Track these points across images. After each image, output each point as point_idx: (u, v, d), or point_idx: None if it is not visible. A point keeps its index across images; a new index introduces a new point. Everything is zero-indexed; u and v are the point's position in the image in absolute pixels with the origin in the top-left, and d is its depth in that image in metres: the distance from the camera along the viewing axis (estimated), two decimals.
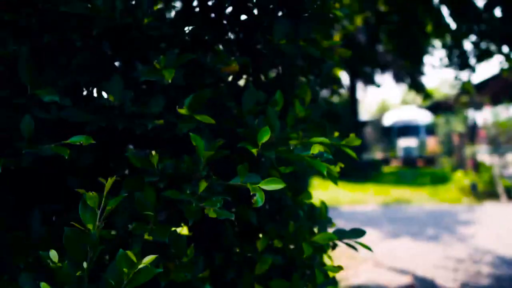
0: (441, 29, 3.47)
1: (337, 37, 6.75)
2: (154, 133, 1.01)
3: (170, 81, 0.92)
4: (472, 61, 5.68)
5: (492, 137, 10.26)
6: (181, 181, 0.95)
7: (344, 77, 18.12)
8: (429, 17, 4.13)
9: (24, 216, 0.98)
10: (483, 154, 10.95)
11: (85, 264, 0.80)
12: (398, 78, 16.04)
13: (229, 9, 1.14)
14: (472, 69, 6.04)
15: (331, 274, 1.06)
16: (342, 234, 1.22)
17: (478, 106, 10.19)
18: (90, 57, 0.98)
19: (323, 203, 1.33)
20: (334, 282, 1.14)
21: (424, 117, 19.84)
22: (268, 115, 1.00)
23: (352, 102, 16.23)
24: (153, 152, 0.95)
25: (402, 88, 27.85)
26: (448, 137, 12.96)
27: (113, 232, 0.87)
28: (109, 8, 0.93)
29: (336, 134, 1.13)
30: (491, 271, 5.43)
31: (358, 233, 1.21)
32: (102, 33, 0.95)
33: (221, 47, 1.13)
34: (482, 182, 10.26)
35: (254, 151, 0.91)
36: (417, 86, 5.12)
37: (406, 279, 5.23)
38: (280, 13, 1.13)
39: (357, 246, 1.45)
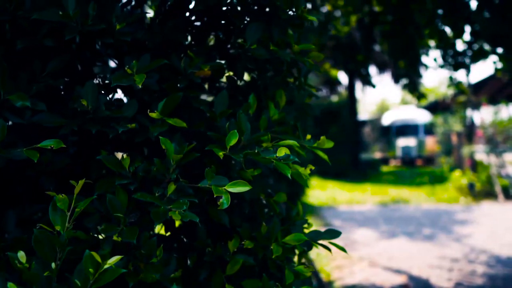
0: (432, 28, 3.47)
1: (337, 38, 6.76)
2: (127, 136, 1.03)
3: (140, 86, 0.95)
4: (467, 61, 5.70)
5: (490, 137, 10.27)
6: (152, 183, 0.97)
7: (343, 77, 18.14)
8: (422, 17, 4.15)
9: None
10: (481, 154, 10.96)
11: (53, 265, 0.82)
12: (396, 78, 16.07)
13: (204, 14, 1.16)
14: (467, 69, 6.05)
15: (307, 274, 1.08)
16: (317, 235, 1.24)
17: (475, 106, 10.20)
18: (65, 62, 1.01)
19: (300, 204, 1.35)
20: (308, 282, 1.16)
21: (423, 116, 19.85)
22: (238, 118, 1.02)
23: (351, 101, 16.25)
24: (125, 155, 0.98)
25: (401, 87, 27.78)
26: (446, 137, 12.98)
27: (82, 233, 0.89)
28: (81, 15, 0.96)
29: (308, 136, 1.15)
30: (485, 270, 5.44)
31: (333, 234, 1.23)
32: (75, 38, 0.97)
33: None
34: (479, 181, 10.26)
35: (221, 154, 0.93)
36: (411, 86, 5.14)
37: (401, 279, 5.25)
38: (253, 18, 1.16)
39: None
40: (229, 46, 1.21)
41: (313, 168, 1.07)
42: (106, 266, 0.79)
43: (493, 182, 10.10)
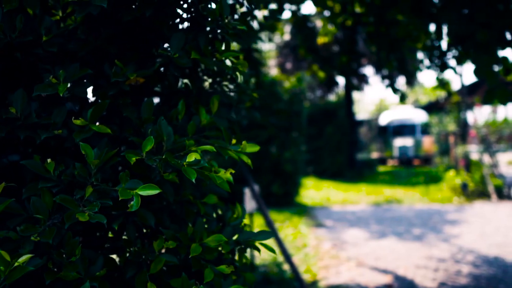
0: (404, 29, 3.49)
1: (327, 38, 6.78)
2: (56, 142, 1.09)
3: (62, 94, 1.00)
4: (452, 62, 5.73)
5: (483, 137, 10.28)
6: (74, 187, 1.03)
7: (340, 78, 18.16)
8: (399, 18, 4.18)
9: None
10: (474, 154, 10.97)
11: None
12: (391, 78, 16.07)
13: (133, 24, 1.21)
14: (454, 70, 6.08)
15: (227, 272, 1.12)
16: (250, 236, 1.28)
17: (469, 106, 10.22)
18: None
19: (239, 206, 1.39)
20: (231, 281, 1.21)
21: (420, 116, 19.85)
22: (158, 124, 1.08)
23: (347, 101, 16.26)
24: (49, 160, 1.03)
25: (400, 87, 27.80)
26: (441, 137, 13.00)
27: (2, 232, 0.95)
28: (7, 27, 1.01)
29: (234, 141, 1.20)
30: (471, 270, 5.47)
31: (265, 235, 1.27)
32: (3, 48, 1.03)
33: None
34: (473, 181, 10.28)
35: (133, 159, 0.98)
36: (393, 86, 5.17)
37: (386, 279, 5.28)
38: (181, 27, 1.21)
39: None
40: (157, 54, 1.26)
41: (233, 171, 1.12)
42: (16, 264, 0.85)
43: (486, 182, 10.12)
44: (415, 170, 17.51)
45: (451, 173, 10.94)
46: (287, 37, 14.11)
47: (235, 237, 1.27)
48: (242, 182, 10.74)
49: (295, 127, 10.17)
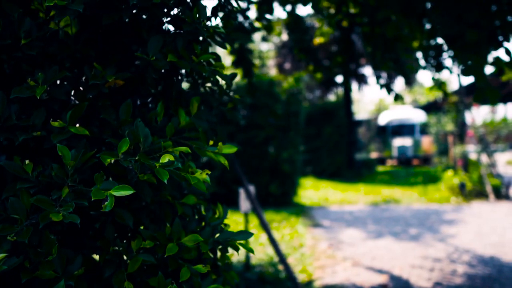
0: (394, 28, 3.49)
1: (323, 39, 6.80)
2: (36, 143, 1.11)
3: (39, 97, 1.02)
4: (448, 62, 5.74)
5: (481, 137, 10.29)
6: (52, 187, 1.05)
7: (338, 77, 18.18)
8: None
9: None
10: (472, 153, 10.98)
11: None
12: (390, 78, 16.10)
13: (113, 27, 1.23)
14: (449, 71, 6.09)
15: (204, 271, 1.14)
16: (230, 236, 1.30)
17: (467, 106, 10.24)
18: None
19: (220, 206, 1.41)
20: (210, 281, 1.23)
21: (418, 116, 19.85)
22: (135, 126, 1.10)
23: (346, 101, 16.28)
24: (27, 161, 1.05)
25: (401, 87, 27.88)
26: (440, 137, 13.01)
27: None
28: None
29: (211, 142, 1.21)
30: (466, 270, 5.48)
31: (245, 235, 1.29)
32: None
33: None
34: (471, 181, 10.29)
35: (108, 160, 1.01)
36: (387, 87, 5.19)
37: (381, 279, 5.29)
38: (159, 30, 1.23)
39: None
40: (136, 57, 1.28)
41: (209, 172, 1.14)
42: None
43: (484, 182, 10.13)
44: (414, 170, 17.52)
45: (449, 173, 10.94)
46: (285, 37, 14.12)
47: (216, 237, 1.29)
48: (240, 183, 10.74)
49: (293, 127, 10.19)
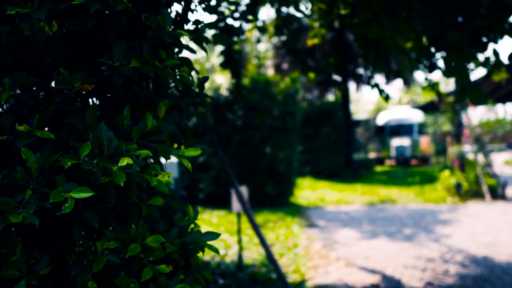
0: (375, 31, 3.49)
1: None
2: (5, 146, 1.14)
3: (3, 102, 1.05)
4: (441, 62, 5.76)
5: (477, 137, 10.30)
6: (17, 190, 1.08)
7: (336, 77, 18.17)
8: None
9: None
10: (470, 154, 10.99)
11: None
12: (388, 79, 16.13)
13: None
14: (442, 71, 6.10)
15: (166, 271, 1.16)
16: (197, 237, 1.33)
17: (463, 107, 10.26)
18: None
19: (191, 208, 1.44)
20: (178, 281, 1.26)
21: (417, 116, 19.87)
22: (99, 130, 1.12)
23: (344, 101, 16.30)
24: None
25: (399, 87, 27.87)
26: (437, 137, 13.03)
27: None
28: None
29: (176, 145, 1.24)
30: (458, 270, 5.50)
31: (212, 236, 1.32)
32: None
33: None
34: (467, 181, 10.30)
35: (69, 163, 1.03)
36: (378, 87, 5.20)
37: (374, 279, 5.31)
38: (125, 36, 1.26)
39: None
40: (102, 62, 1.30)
41: (171, 174, 1.16)
42: None
43: (480, 182, 10.14)
44: (412, 170, 17.53)
45: (446, 173, 10.96)
46: (283, 37, 14.13)
47: (184, 238, 1.32)
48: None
49: (289, 127, 10.21)
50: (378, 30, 3.15)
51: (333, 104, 15.34)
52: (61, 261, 1.21)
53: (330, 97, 21.42)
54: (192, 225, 1.40)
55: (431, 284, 5.04)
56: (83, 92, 1.25)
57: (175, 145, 1.22)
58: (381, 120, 21.21)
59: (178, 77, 1.30)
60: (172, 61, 1.24)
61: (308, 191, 12.62)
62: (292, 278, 5.40)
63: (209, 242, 1.38)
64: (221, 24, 3.16)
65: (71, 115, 1.20)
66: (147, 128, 1.26)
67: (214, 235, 1.32)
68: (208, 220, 8.96)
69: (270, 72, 17.08)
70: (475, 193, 10.28)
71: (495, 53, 4.04)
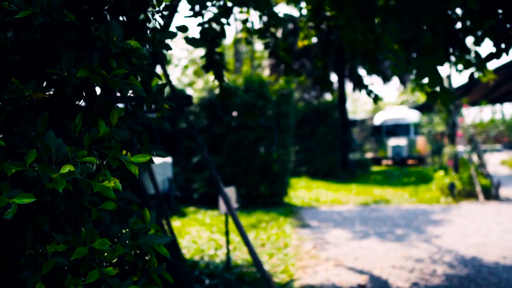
0: (349, 33, 3.52)
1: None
2: None
3: None
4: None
5: (471, 137, 10.33)
6: None
7: (333, 78, 18.22)
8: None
9: None
10: (464, 154, 11.01)
11: None
12: (385, 79, 16.15)
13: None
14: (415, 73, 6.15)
15: (112, 273, 1.20)
16: (150, 239, 1.36)
17: (457, 107, 10.29)
18: None
19: (147, 211, 1.47)
20: (130, 282, 1.29)
21: (413, 116, 19.90)
22: (46, 137, 1.17)
23: (340, 101, 16.33)
24: None
25: (396, 87, 27.87)
26: (431, 137, 13.06)
27: None
28: None
29: (124, 152, 1.28)
30: (445, 270, 5.53)
31: (163, 238, 1.36)
32: None
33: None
34: (461, 182, 10.32)
35: (13, 170, 1.08)
36: (365, 88, 5.24)
37: (361, 279, 5.34)
38: (74, 46, 1.30)
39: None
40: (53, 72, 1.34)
41: (117, 181, 1.20)
42: None
43: (474, 182, 10.16)
44: (408, 170, 17.55)
45: (441, 173, 10.98)
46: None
47: (137, 241, 1.36)
48: (229, 183, 10.79)
49: (283, 128, 10.24)
50: (352, 33, 3.18)
51: (330, 104, 15.37)
52: (14, 264, 1.25)
53: (329, 97, 21.43)
54: (153, 230, 1.44)
55: (416, 285, 5.08)
56: (38, 100, 1.29)
57: (124, 152, 1.26)
58: (378, 120, 21.24)
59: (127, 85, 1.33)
60: (121, 70, 1.28)
61: (303, 191, 12.65)
62: (280, 278, 5.44)
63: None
64: (207, 26, 3.21)
65: (23, 123, 1.24)
66: (98, 135, 1.30)
67: (166, 238, 1.36)
68: (201, 220, 9.01)
69: (266, 72, 17.11)
70: (469, 193, 10.30)
71: (477, 55, 4.08)
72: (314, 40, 6.42)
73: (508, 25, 2.90)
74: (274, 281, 5.27)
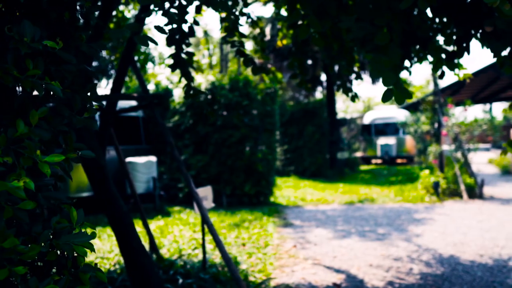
0: (305, 31, 3.50)
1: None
2: None
3: None
4: (407, 63, 5.82)
5: (455, 136, 10.39)
6: None
7: (322, 77, 18.26)
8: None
9: None
10: (448, 153, 11.08)
11: None
12: (373, 78, 16.22)
13: None
14: (408, 71, 6.18)
15: (22, 271, 1.21)
16: (71, 238, 1.36)
17: (441, 106, 10.34)
18: None
19: (74, 211, 1.47)
20: (50, 281, 1.30)
21: (402, 115, 20.01)
22: None
23: (329, 100, 16.37)
24: None
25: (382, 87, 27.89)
26: (418, 136, 13.14)
27: None
28: None
29: (38, 152, 1.28)
30: (421, 269, 5.56)
31: (86, 237, 1.35)
32: None
33: None
34: (446, 180, 10.38)
35: None
36: (344, 87, 5.25)
37: (337, 278, 5.36)
38: None
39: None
40: None
41: (28, 180, 1.20)
42: None
43: (458, 181, 10.23)
44: (396, 169, 17.64)
45: (426, 172, 11.04)
46: (267, 37, 14.17)
47: (58, 240, 1.35)
48: (215, 182, 10.73)
49: (268, 127, 10.24)
50: (307, 31, 3.19)
51: (318, 103, 15.39)
52: None
53: (319, 96, 21.47)
54: (78, 229, 1.43)
55: (391, 284, 5.10)
56: None
57: (38, 152, 1.26)
58: (367, 119, 21.33)
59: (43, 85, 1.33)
60: (35, 71, 1.28)
61: (290, 190, 12.66)
62: (256, 277, 5.43)
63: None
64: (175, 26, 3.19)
65: None
66: (15, 135, 1.30)
67: (87, 237, 1.36)
68: (185, 219, 8.99)
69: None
70: (453, 192, 10.37)
71: (447, 53, 4.10)
72: None
73: (464, 26, 2.91)
74: (250, 280, 5.27)
